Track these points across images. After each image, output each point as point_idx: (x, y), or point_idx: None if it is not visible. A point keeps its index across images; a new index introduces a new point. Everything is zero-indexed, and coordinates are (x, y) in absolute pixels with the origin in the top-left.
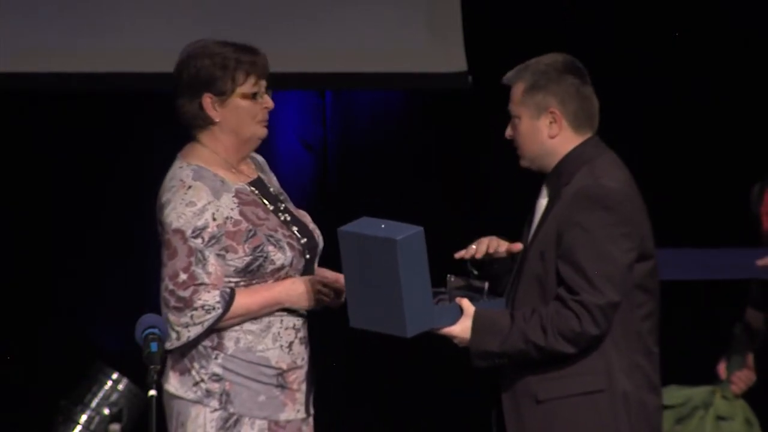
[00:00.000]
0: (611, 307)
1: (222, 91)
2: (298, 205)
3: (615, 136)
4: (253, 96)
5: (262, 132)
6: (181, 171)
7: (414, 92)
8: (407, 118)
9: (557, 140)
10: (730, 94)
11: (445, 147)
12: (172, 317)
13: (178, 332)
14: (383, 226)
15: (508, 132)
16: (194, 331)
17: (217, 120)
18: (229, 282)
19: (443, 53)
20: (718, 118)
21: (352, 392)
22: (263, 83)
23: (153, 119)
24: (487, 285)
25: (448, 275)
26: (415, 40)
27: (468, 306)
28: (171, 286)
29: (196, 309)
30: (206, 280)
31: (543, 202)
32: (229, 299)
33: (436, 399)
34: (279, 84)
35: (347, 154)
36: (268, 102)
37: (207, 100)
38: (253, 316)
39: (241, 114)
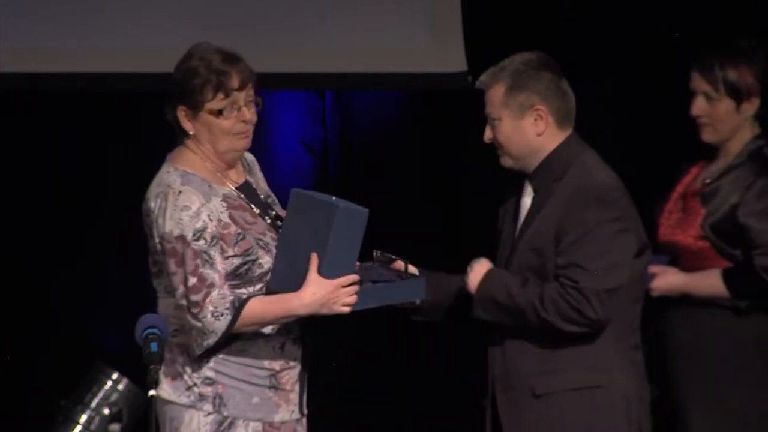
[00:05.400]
0: (608, 294)
1: (192, 105)
2: None
3: (613, 135)
4: (220, 112)
5: (240, 145)
6: (168, 176)
7: (414, 92)
8: (407, 118)
9: (544, 137)
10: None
11: (444, 147)
12: (193, 322)
13: (198, 339)
14: (334, 199)
15: (487, 135)
16: (211, 340)
17: (192, 132)
18: None
19: (443, 53)
20: None
21: (345, 391)
22: (240, 95)
23: (153, 119)
24: (405, 264)
25: (374, 250)
26: (416, 41)
27: (486, 261)
28: (184, 292)
29: (206, 317)
30: (216, 280)
31: (527, 200)
32: (239, 306)
33: (429, 398)
34: (279, 84)
35: (347, 154)
36: (244, 115)
37: (181, 112)
38: (269, 324)
39: (212, 129)
